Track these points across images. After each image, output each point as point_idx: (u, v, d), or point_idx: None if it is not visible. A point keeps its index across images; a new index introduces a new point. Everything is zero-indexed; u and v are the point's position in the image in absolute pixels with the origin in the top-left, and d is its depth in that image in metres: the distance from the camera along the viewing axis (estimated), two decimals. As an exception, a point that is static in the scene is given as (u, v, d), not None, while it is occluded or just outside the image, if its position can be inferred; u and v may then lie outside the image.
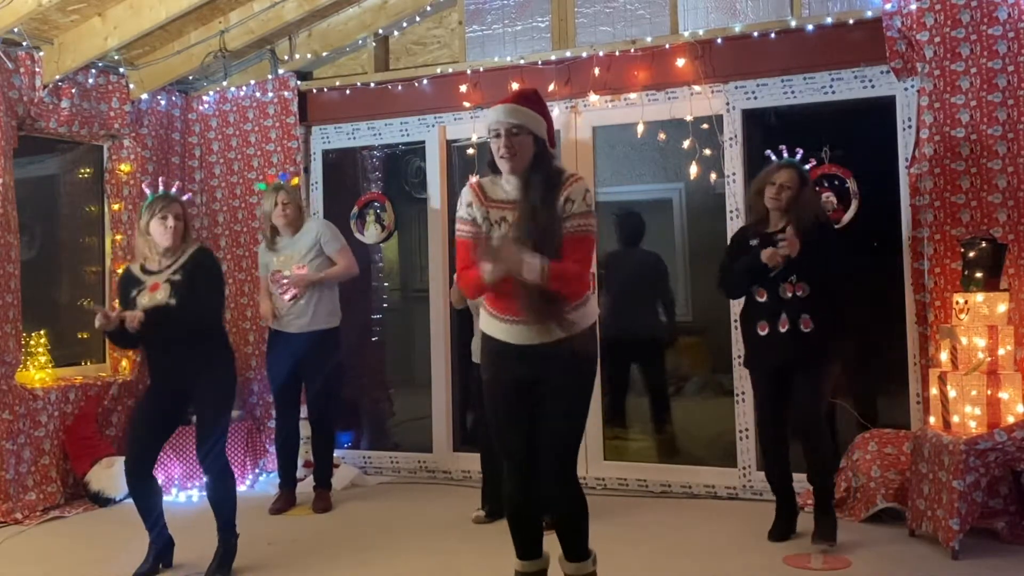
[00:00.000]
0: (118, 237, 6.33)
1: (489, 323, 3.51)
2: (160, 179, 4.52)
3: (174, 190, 4.42)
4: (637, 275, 6.26)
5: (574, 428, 3.45)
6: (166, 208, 4.25)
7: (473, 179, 3.58)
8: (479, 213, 3.43)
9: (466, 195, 3.48)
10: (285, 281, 5.46)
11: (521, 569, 3.59)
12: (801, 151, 4.62)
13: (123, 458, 5.79)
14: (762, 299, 4.46)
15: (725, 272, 4.65)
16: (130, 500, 4.43)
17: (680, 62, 5.56)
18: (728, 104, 5.56)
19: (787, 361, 4.41)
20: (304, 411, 5.90)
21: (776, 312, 4.41)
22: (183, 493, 5.83)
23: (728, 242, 4.92)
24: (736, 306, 5.43)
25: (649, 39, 5.69)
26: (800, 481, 4.92)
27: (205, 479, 4.36)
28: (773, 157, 4.64)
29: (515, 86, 5.82)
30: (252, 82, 6.62)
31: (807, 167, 4.60)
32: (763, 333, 4.45)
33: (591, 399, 3.51)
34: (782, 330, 4.39)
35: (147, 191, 4.43)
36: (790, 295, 4.38)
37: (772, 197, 4.47)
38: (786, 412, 4.51)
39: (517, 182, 3.36)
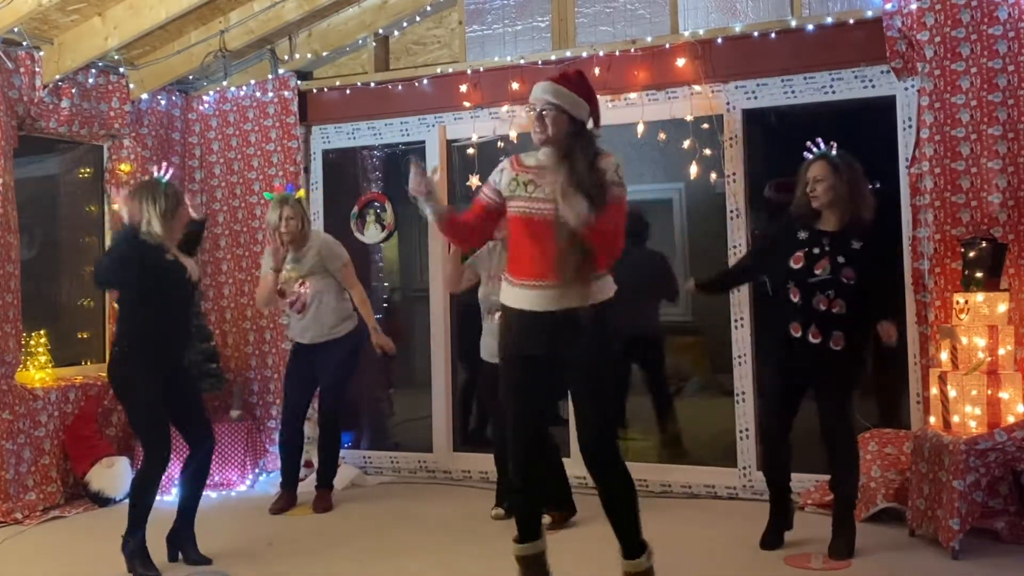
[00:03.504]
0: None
1: (510, 293, 3.56)
2: (165, 164, 4.59)
3: (168, 175, 4.49)
4: (641, 274, 6.24)
5: (610, 405, 3.53)
6: (184, 200, 4.45)
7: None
8: (508, 177, 3.56)
9: (502, 163, 3.64)
10: (287, 295, 5.47)
11: (520, 552, 3.64)
12: (835, 144, 4.41)
13: (123, 458, 5.85)
14: (796, 299, 4.28)
15: (753, 261, 4.68)
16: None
17: (680, 62, 5.56)
18: (728, 104, 5.56)
19: (812, 372, 4.29)
20: (308, 412, 5.91)
21: (807, 320, 4.25)
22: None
23: (768, 230, 4.64)
24: (736, 306, 5.44)
25: (649, 39, 5.69)
26: (801, 481, 4.93)
27: (194, 464, 4.50)
28: (807, 155, 4.44)
29: (515, 86, 5.83)
30: (252, 82, 6.62)
31: (834, 153, 4.35)
32: (796, 335, 4.28)
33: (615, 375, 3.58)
34: (813, 340, 4.22)
35: (160, 173, 4.45)
36: (824, 308, 4.21)
37: (811, 195, 4.30)
38: (795, 414, 4.42)
39: (551, 151, 3.48)
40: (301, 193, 5.68)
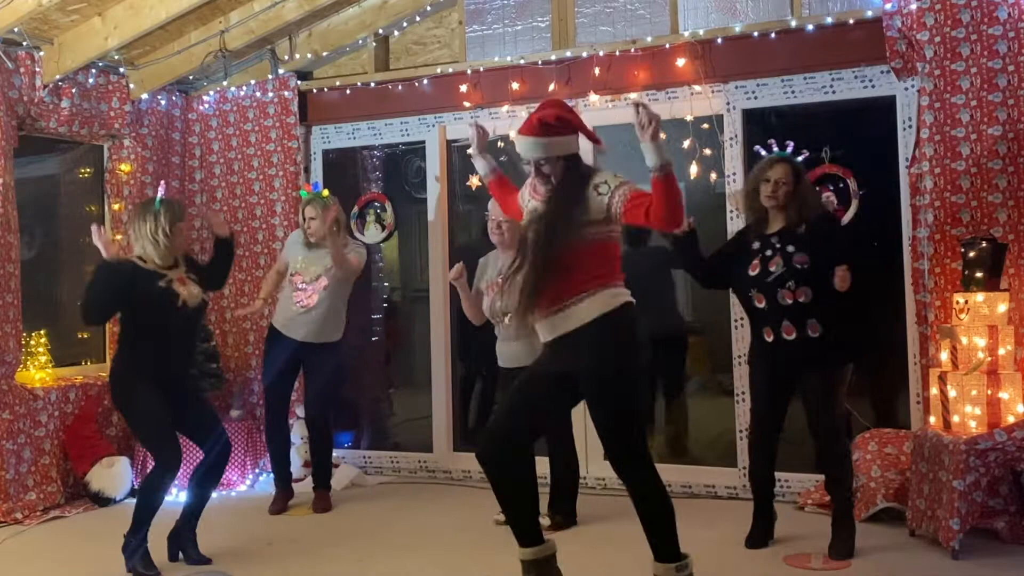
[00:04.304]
0: (118, 237, 6.31)
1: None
2: (162, 182, 4.63)
3: (162, 193, 4.51)
4: (648, 274, 6.22)
5: (623, 417, 3.47)
6: (185, 216, 4.48)
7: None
8: (525, 200, 3.75)
9: (527, 185, 3.79)
10: (301, 284, 5.45)
11: (523, 557, 3.64)
12: (792, 144, 4.49)
13: (123, 458, 5.86)
14: (761, 305, 4.33)
15: (709, 260, 4.58)
16: (131, 500, 4.47)
17: (680, 62, 5.56)
18: (728, 104, 5.56)
19: (797, 368, 4.30)
20: (300, 411, 5.92)
21: (778, 319, 4.28)
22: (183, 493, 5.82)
23: (734, 243, 4.63)
24: (737, 306, 5.44)
25: (649, 39, 5.69)
26: (801, 481, 4.93)
27: (205, 468, 4.50)
28: (763, 152, 4.53)
29: (515, 86, 5.83)
30: (252, 82, 6.62)
31: (800, 159, 4.46)
32: (769, 340, 4.32)
33: (635, 385, 3.51)
34: (788, 337, 4.25)
35: (161, 191, 4.46)
36: (790, 302, 4.24)
37: (768, 195, 4.35)
38: (783, 416, 4.44)
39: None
40: (325, 193, 5.62)
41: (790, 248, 4.28)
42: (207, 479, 4.51)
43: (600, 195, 3.46)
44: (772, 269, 4.29)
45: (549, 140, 3.48)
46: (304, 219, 5.48)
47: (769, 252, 4.33)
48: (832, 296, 4.19)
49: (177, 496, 5.28)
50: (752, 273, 4.35)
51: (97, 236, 4.51)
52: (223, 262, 4.73)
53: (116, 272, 4.29)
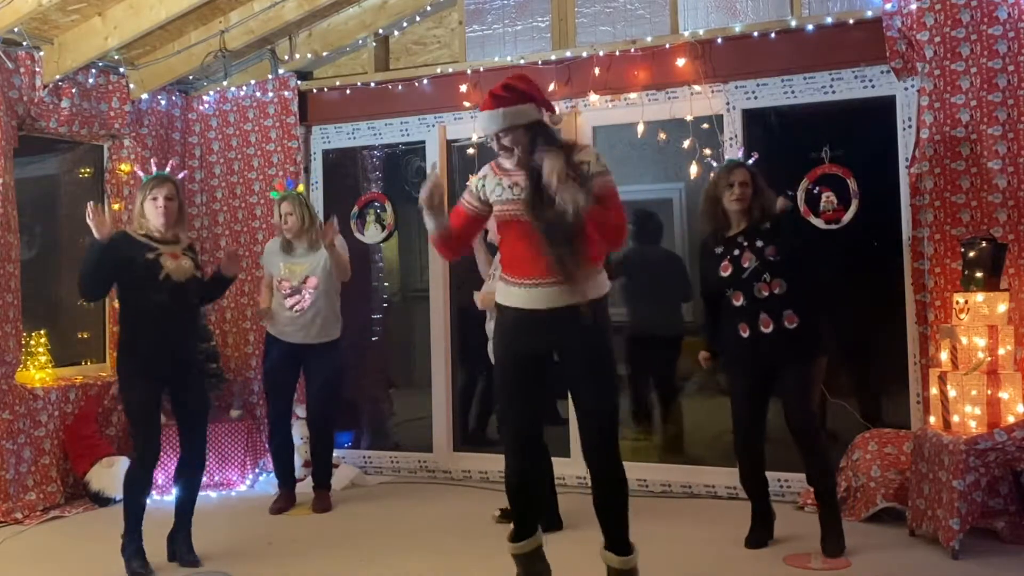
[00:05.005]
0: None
1: (506, 293, 3.59)
2: (153, 160, 4.56)
3: (168, 170, 4.48)
4: (657, 274, 6.23)
5: (612, 402, 3.56)
6: (157, 188, 4.33)
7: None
8: (492, 183, 3.55)
9: (483, 170, 3.64)
10: (290, 289, 5.46)
11: (516, 551, 3.65)
12: (743, 149, 4.55)
13: (123, 458, 5.85)
14: (739, 303, 4.36)
15: (711, 315, 4.59)
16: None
17: (680, 62, 5.56)
18: (728, 104, 5.56)
19: (775, 361, 4.32)
20: (300, 411, 5.91)
21: (755, 313, 4.32)
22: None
23: (700, 260, 4.64)
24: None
25: (649, 39, 5.69)
26: (801, 482, 4.93)
27: (190, 468, 4.48)
28: (715, 163, 4.68)
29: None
30: (252, 82, 6.63)
31: (750, 161, 4.54)
32: (745, 335, 4.34)
33: (616, 370, 3.59)
34: (766, 330, 4.29)
35: (140, 174, 4.49)
36: (767, 294, 4.31)
37: (736, 199, 4.40)
38: (764, 419, 4.47)
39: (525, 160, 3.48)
40: (300, 188, 5.67)
41: (759, 243, 4.35)
42: (188, 484, 4.49)
43: (580, 166, 3.41)
44: (745, 265, 4.34)
45: (502, 111, 3.43)
46: (280, 215, 5.47)
47: (737, 251, 4.39)
48: (805, 287, 4.32)
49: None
50: (725, 274, 4.40)
51: (91, 216, 4.14)
52: (216, 287, 4.70)
53: (106, 247, 4.19)
